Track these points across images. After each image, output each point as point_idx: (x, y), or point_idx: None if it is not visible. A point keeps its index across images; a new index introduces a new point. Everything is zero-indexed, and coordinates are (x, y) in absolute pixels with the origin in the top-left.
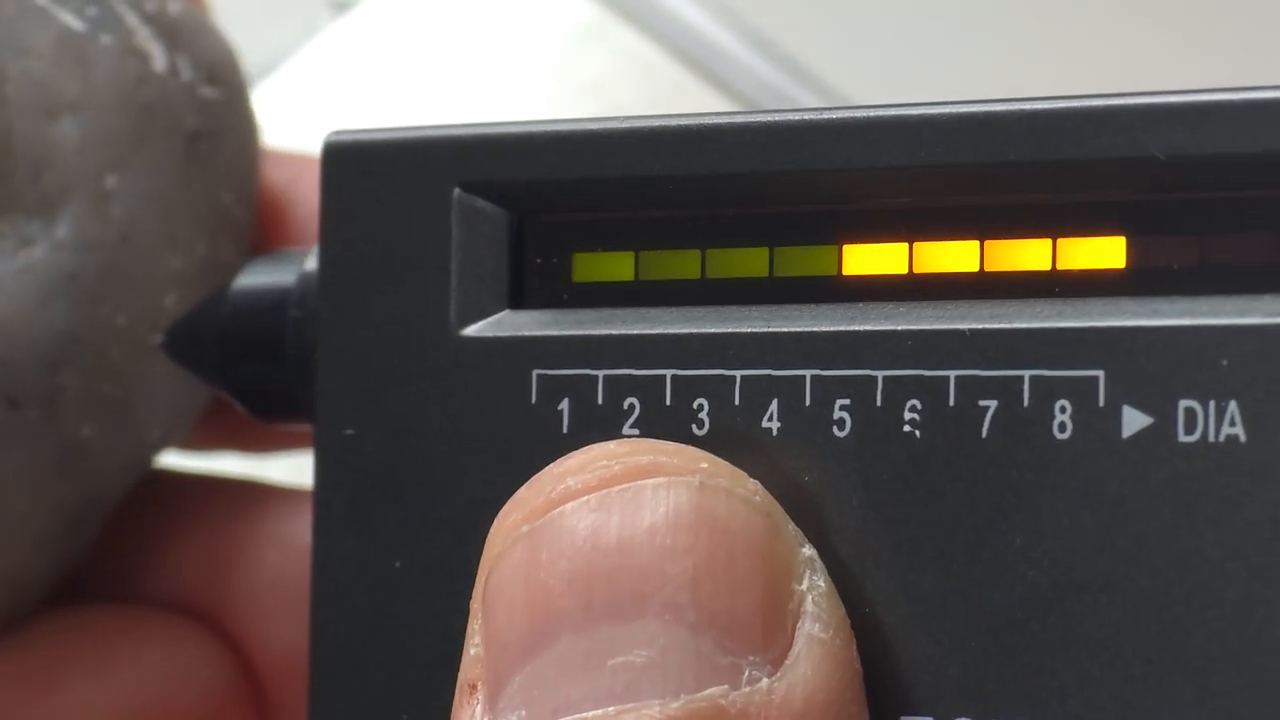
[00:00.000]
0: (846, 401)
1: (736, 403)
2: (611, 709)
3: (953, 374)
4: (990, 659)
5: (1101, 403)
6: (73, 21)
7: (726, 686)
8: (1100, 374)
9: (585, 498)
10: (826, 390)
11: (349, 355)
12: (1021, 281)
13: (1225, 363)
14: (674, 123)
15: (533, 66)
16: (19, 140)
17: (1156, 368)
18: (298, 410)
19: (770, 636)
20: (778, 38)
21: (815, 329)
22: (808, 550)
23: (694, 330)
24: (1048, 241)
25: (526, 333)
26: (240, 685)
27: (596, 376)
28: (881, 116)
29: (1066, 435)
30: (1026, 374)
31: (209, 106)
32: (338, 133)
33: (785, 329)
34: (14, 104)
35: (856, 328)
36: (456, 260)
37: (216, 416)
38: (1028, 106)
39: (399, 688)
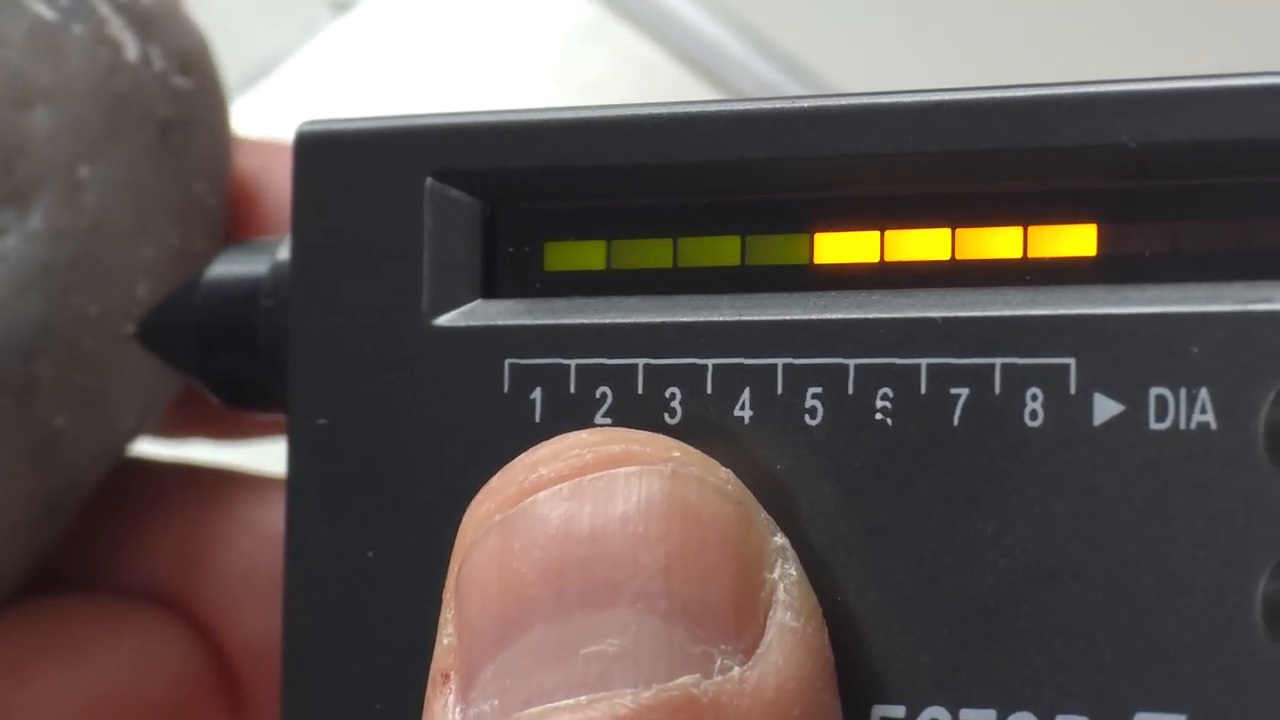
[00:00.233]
0: (818, 390)
1: (708, 391)
2: (584, 698)
3: (924, 362)
4: (962, 647)
5: (1073, 390)
6: (45, 11)
7: (698, 675)
8: (1071, 361)
9: (557, 486)
10: (798, 379)
11: (321, 345)
12: (993, 269)
13: (1196, 350)
14: (645, 111)
15: (533, 66)
16: None
17: (1128, 355)
18: (270, 400)
19: (742, 625)
20: (778, 38)
21: (787, 317)
22: (779, 539)
23: (666, 319)
24: (1019, 229)
25: (499, 322)
26: (213, 673)
27: (569, 365)
28: (853, 104)
29: (1038, 423)
30: (998, 362)
31: (181, 96)
32: (310, 122)
33: (757, 317)
34: None
35: (828, 316)
36: (428, 249)
37: (188, 403)
38: (998, 94)
39: (372, 677)
